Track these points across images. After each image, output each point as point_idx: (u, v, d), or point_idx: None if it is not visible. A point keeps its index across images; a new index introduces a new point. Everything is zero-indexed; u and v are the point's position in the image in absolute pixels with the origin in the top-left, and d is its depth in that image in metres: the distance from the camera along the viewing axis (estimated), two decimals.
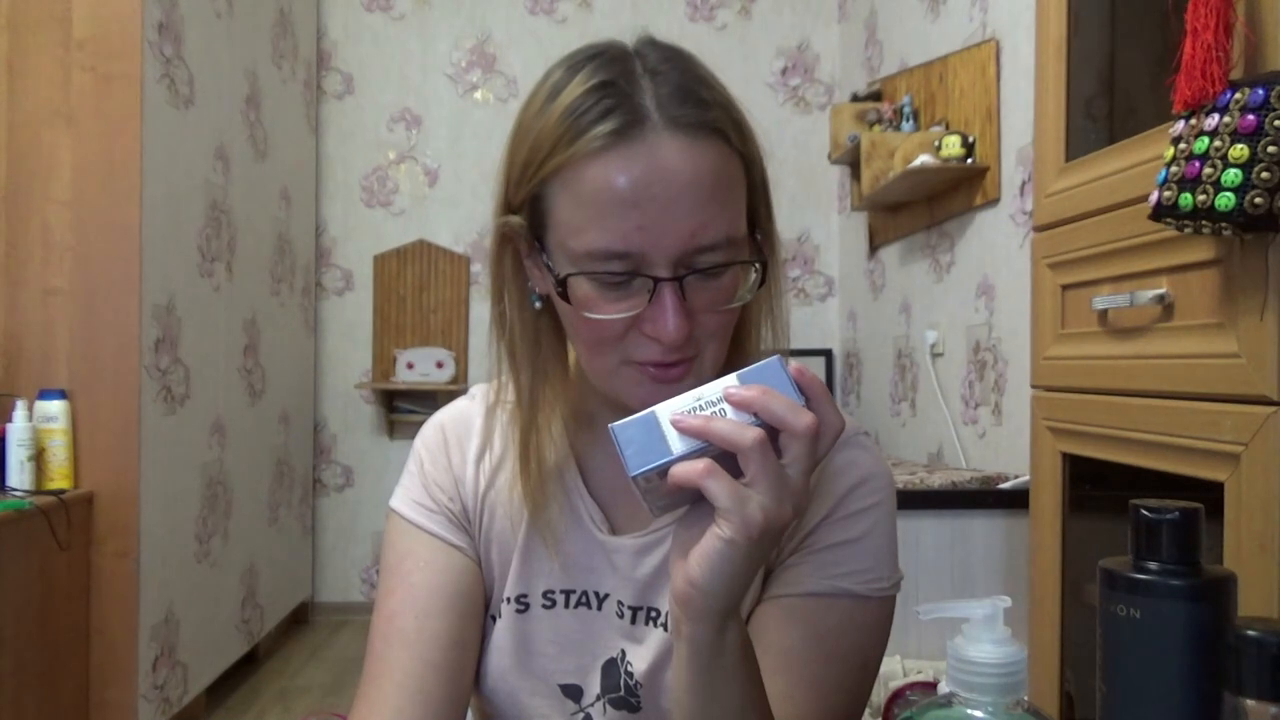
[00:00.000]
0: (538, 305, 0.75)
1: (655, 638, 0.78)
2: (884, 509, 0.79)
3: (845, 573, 0.75)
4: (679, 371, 0.70)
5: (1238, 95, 0.89)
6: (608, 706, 0.79)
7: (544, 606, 0.80)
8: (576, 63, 0.70)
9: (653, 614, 0.79)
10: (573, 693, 0.79)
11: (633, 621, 0.79)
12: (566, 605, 0.80)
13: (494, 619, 0.82)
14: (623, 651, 0.79)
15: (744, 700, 0.62)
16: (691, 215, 0.66)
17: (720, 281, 0.69)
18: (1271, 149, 0.86)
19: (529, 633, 0.80)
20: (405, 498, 0.83)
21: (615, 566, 0.79)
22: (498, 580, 0.82)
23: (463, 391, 0.89)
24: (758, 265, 0.71)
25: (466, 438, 0.84)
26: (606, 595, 0.79)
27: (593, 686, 0.79)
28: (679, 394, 0.62)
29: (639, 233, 0.66)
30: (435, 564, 0.80)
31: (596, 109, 0.67)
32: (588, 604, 0.80)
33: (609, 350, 0.71)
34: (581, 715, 0.79)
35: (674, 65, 0.70)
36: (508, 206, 0.73)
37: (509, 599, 0.81)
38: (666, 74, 0.69)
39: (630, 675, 0.78)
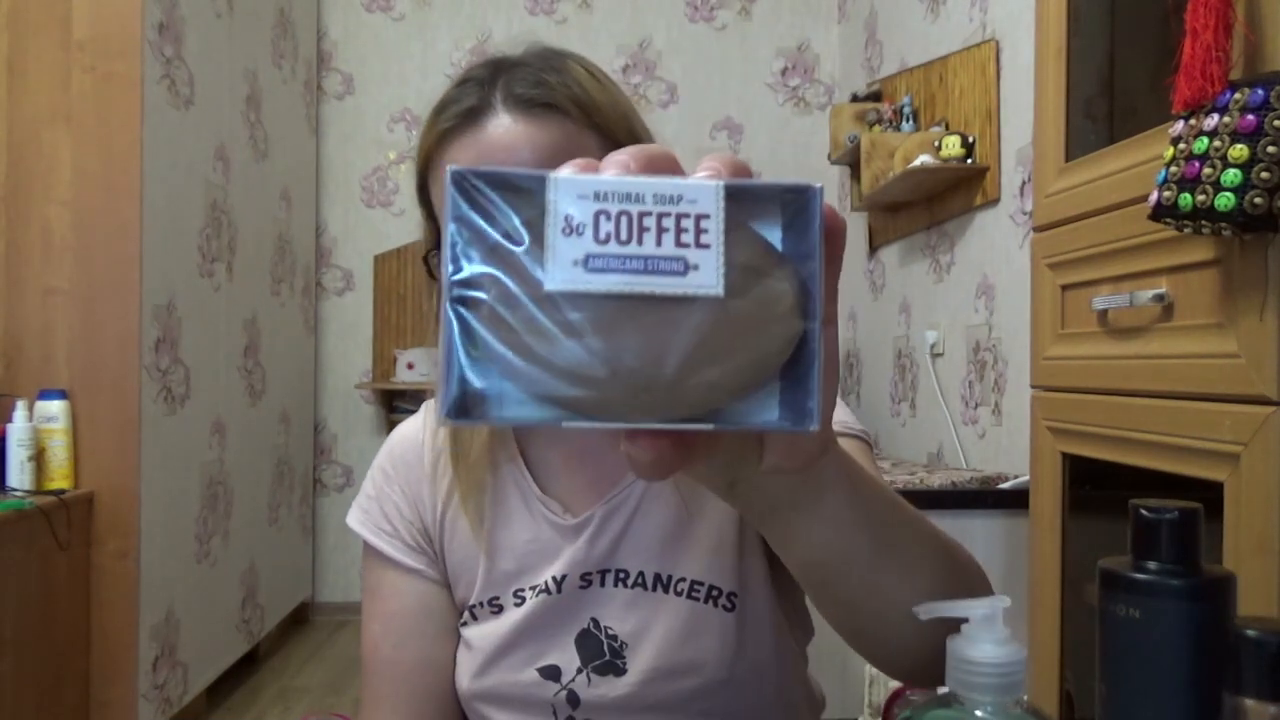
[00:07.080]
0: None
1: (625, 597, 0.80)
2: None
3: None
4: None
5: (1237, 95, 0.89)
6: (591, 675, 0.80)
7: (515, 605, 0.82)
8: (466, 69, 0.76)
9: (621, 575, 0.80)
10: (551, 673, 0.80)
11: (601, 585, 0.80)
12: (534, 597, 0.82)
13: (467, 624, 0.84)
14: (593, 619, 0.80)
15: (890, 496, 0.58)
16: None
17: None
18: (1271, 149, 0.86)
19: (503, 631, 0.81)
20: (366, 521, 0.87)
21: (576, 544, 0.81)
22: (466, 588, 0.84)
23: None
24: None
25: (417, 458, 0.87)
26: (564, 576, 0.81)
27: (571, 661, 0.80)
28: None
29: None
30: (401, 591, 0.84)
31: (453, 103, 0.72)
32: (548, 591, 0.81)
33: None
34: (564, 693, 0.80)
35: (540, 58, 0.73)
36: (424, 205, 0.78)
37: (481, 603, 0.83)
38: (526, 64, 0.72)
39: (614, 638, 0.79)
